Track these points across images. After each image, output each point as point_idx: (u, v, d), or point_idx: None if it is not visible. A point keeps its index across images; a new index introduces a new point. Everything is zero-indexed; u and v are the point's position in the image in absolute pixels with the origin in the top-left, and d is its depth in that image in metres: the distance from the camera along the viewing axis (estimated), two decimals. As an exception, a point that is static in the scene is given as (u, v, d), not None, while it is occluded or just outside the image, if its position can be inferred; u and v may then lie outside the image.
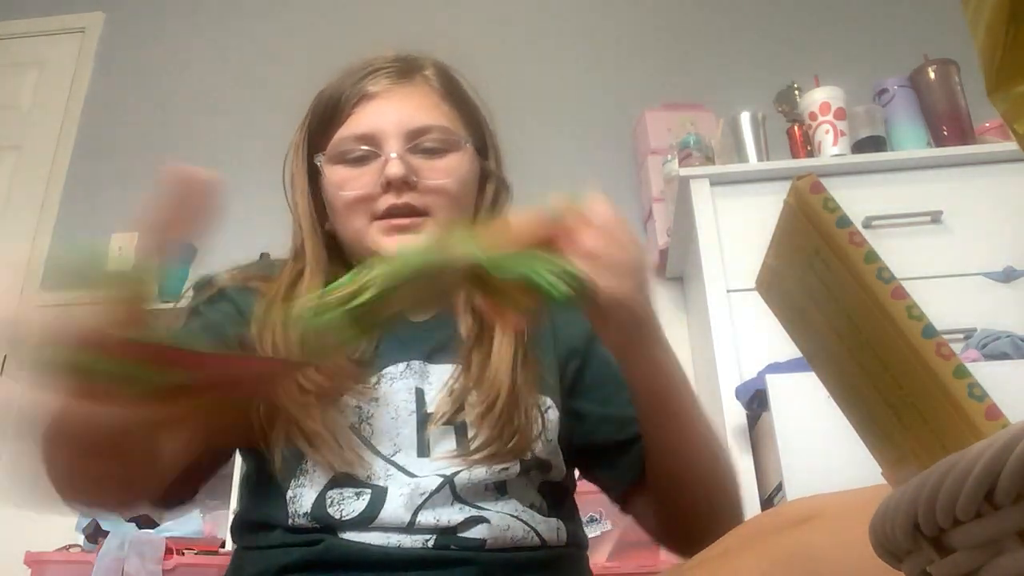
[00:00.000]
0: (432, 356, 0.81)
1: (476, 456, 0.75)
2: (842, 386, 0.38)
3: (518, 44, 2.84)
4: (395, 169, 0.80)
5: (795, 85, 2.18)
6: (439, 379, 0.80)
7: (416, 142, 0.82)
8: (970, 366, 0.31)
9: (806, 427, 1.47)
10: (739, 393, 1.70)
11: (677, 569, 0.62)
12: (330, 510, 0.73)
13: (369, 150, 0.82)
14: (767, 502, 1.63)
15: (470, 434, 0.77)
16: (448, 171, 0.83)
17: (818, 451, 1.43)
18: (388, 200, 0.81)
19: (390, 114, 0.83)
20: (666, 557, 1.66)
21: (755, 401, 1.65)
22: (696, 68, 2.72)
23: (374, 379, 0.79)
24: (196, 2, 3.07)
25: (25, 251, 2.73)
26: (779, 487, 1.51)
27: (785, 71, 2.28)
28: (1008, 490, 0.24)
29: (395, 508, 0.73)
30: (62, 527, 2.08)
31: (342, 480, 0.74)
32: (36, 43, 3.08)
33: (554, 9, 2.93)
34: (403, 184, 0.80)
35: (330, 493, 0.74)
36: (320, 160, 0.85)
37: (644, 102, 2.54)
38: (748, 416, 1.72)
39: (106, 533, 1.84)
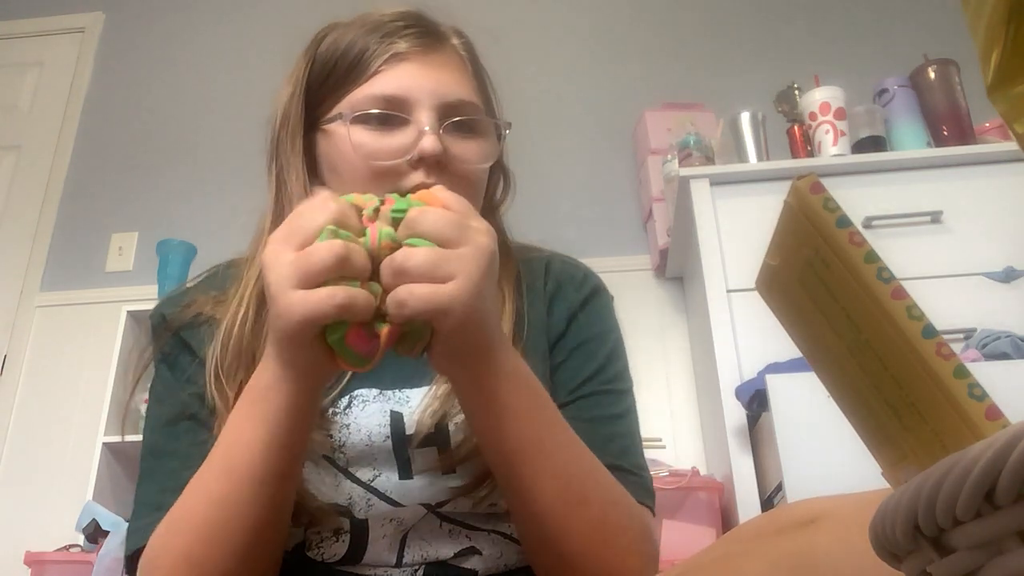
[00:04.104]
0: (409, 380, 0.75)
1: (459, 463, 0.71)
2: (842, 386, 0.38)
3: (518, 44, 2.84)
4: (431, 146, 0.71)
5: (795, 85, 2.18)
6: (417, 399, 0.74)
7: (450, 118, 0.74)
8: (970, 366, 0.31)
9: (806, 427, 1.48)
10: (739, 393, 1.70)
11: (674, 571, 0.61)
12: (310, 553, 0.70)
13: (399, 116, 0.73)
14: (767, 502, 1.63)
15: (453, 442, 0.72)
16: (479, 156, 0.76)
17: (818, 451, 1.43)
18: (417, 179, 0.72)
19: (424, 81, 0.74)
20: (664, 558, 1.66)
21: (755, 401, 1.65)
22: (696, 68, 2.72)
23: (344, 402, 0.73)
24: (195, 2, 3.07)
25: (25, 251, 2.73)
26: (779, 487, 1.51)
27: (785, 71, 2.28)
28: (1008, 490, 0.24)
29: (379, 550, 0.70)
30: (62, 527, 2.08)
31: (319, 516, 0.70)
32: (36, 43, 3.08)
33: (554, 9, 2.93)
34: (435, 163, 0.72)
35: (309, 533, 0.71)
36: (344, 117, 0.74)
37: (644, 102, 2.54)
38: (748, 416, 1.72)
39: (106, 533, 1.84)
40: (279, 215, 0.76)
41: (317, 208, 0.57)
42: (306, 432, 0.64)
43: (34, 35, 3.10)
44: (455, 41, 0.81)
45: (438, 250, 0.56)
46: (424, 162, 0.72)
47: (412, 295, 0.54)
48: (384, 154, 0.73)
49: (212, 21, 3.03)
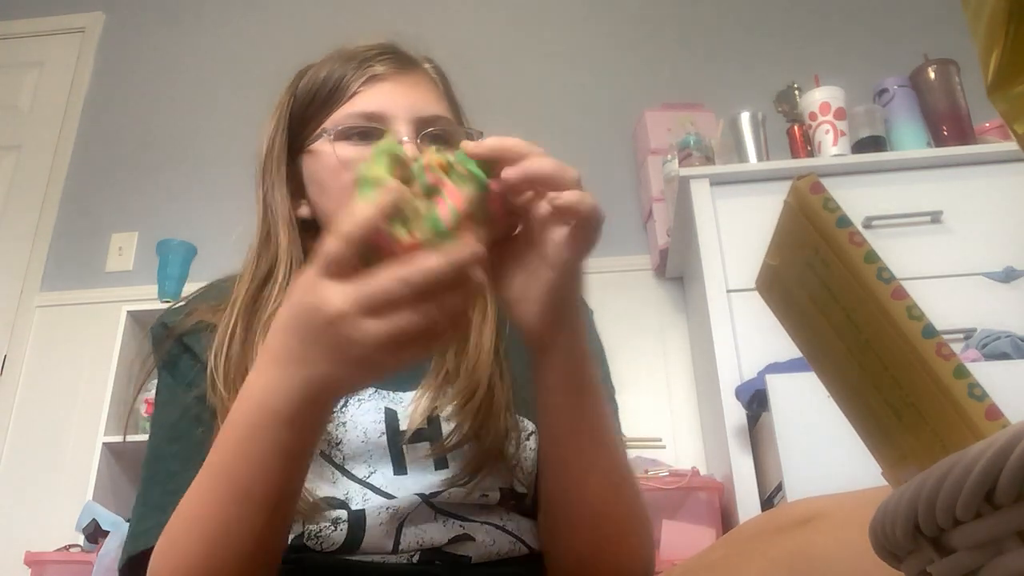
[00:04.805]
0: (402, 385, 0.78)
1: (451, 449, 0.73)
2: (842, 386, 0.38)
3: (518, 44, 2.84)
4: (411, 154, 0.73)
5: (795, 85, 2.18)
6: (410, 400, 0.77)
7: (425, 131, 0.79)
8: (970, 366, 0.31)
9: (806, 427, 1.47)
10: (739, 393, 1.70)
11: (675, 572, 0.61)
12: (308, 543, 0.71)
13: (379, 128, 0.78)
14: (767, 502, 1.63)
15: (445, 430, 0.75)
16: None
17: (818, 451, 1.43)
18: None
19: (400, 98, 0.80)
20: (664, 558, 1.66)
21: (755, 401, 1.65)
22: (696, 68, 2.72)
23: (340, 401, 0.75)
24: (196, 2, 3.07)
25: (25, 251, 2.73)
26: (779, 487, 1.51)
27: (785, 71, 2.28)
28: (1008, 490, 0.24)
29: (376, 537, 0.71)
30: (62, 527, 2.08)
31: (317, 511, 0.71)
32: (36, 43, 3.08)
33: (554, 9, 2.93)
34: None
35: (307, 524, 0.72)
36: (328, 133, 0.80)
37: (644, 102, 2.54)
38: (748, 416, 1.72)
39: (106, 533, 1.84)
40: (265, 236, 0.82)
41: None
42: (315, 447, 0.64)
43: (34, 35, 3.10)
44: (427, 66, 0.87)
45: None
46: None
47: (587, 195, 0.59)
48: None
49: (212, 21, 3.03)
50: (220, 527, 0.62)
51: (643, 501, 0.74)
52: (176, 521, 0.65)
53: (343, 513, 0.72)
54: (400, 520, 0.72)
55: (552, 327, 0.63)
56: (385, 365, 0.53)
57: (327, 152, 0.79)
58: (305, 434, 0.59)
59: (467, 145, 0.58)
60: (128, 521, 0.91)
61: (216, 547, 0.62)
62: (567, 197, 0.58)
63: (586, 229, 0.60)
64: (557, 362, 0.65)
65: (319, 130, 0.81)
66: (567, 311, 0.63)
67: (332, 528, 0.71)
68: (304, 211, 0.83)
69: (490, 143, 0.58)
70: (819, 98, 2.08)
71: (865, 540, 0.32)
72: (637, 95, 2.62)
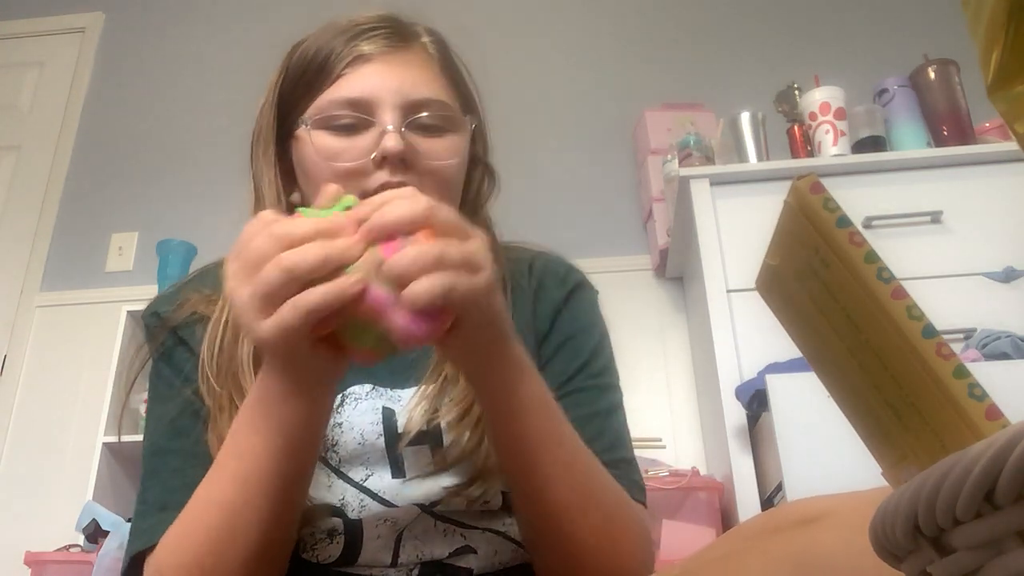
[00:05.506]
0: (400, 381, 0.76)
1: (453, 464, 0.71)
2: (842, 386, 0.38)
3: (518, 44, 2.84)
4: (393, 144, 0.70)
5: (795, 85, 2.19)
6: (408, 398, 0.74)
7: (415, 116, 0.74)
8: (970, 366, 0.31)
9: (806, 427, 1.48)
10: (739, 393, 1.70)
11: (675, 570, 0.61)
12: (304, 555, 0.70)
13: (362, 117, 0.73)
14: (767, 502, 1.63)
15: (446, 441, 0.71)
16: (447, 153, 0.75)
17: (818, 451, 1.43)
18: (381, 177, 0.71)
19: (388, 81, 0.74)
20: (664, 558, 1.66)
21: (755, 401, 1.65)
22: (696, 68, 2.72)
23: (337, 400, 0.73)
24: (196, 2, 3.07)
25: (25, 251, 2.73)
26: (779, 487, 1.51)
27: (785, 71, 2.28)
28: (1008, 490, 0.24)
29: (374, 550, 0.69)
30: (62, 527, 2.08)
31: (313, 517, 0.70)
32: (36, 43, 3.08)
33: (554, 9, 2.93)
34: (400, 162, 0.71)
35: (303, 534, 0.69)
36: (305, 123, 0.74)
37: (644, 102, 2.54)
38: (748, 416, 1.72)
39: (106, 533, 1.84)
40: None
41: (258, 234, 0.55)
42: (320, 436, 0.64)
43: (34, 35, 3.10)
44: (425, 39, 0.81)
45: (471, 243, 0.55)
46: (388, 161, 0.71)
47: (459, 283, 0.52)
48: (347, 155, 0.73)
49: (213, 21, 3.03)
50: (226, 515, 0.62)
51: (625, 511, 0.70)
52: (185, 514, 0.65)
53: (339, 523, 0.70)
54: (399, 531, 0.70)
55: (464, 358, 0.61)
56: (273, 337, 0.53)
57: (307, 140, 0.74)
58: (300, 414, 0.59)
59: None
60: (128, 521, 0.89)
61: (222, 535, 0.62)
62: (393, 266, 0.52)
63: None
64: (487, 388, 0.63)
65: (302, 116, 0.76)
66: (476, 347, 0.60)
67: (328, 541, 0.70)
68: (296, 197, 0.80)
69: (373, 223, 0.54)
70: (819, 98, 2.08)
71: (868, 542, 0.32)
72: (637, 95, 2.62)
